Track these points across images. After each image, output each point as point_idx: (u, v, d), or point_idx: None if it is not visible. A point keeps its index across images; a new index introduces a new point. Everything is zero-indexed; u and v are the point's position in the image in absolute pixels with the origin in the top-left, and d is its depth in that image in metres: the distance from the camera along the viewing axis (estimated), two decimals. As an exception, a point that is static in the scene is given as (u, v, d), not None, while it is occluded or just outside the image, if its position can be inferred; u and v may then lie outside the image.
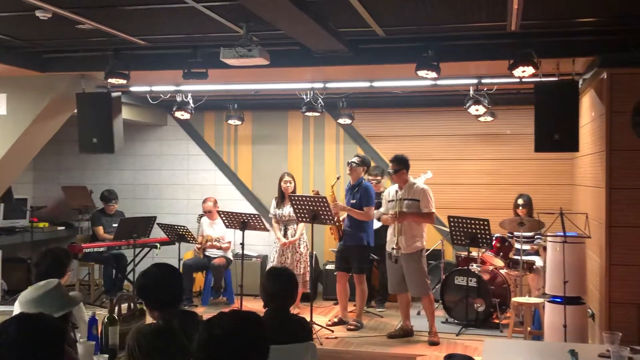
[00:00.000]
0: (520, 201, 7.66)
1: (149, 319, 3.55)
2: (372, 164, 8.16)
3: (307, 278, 7.78)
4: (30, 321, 2.22)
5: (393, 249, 6.64)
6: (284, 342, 3.55)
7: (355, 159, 7.25)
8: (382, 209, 7.02)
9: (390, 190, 6.93)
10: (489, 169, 8.77)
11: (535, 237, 7.54)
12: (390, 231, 6.81)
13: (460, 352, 6.20)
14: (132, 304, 4.00)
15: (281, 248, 7.82)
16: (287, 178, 7.92)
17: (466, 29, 5.66)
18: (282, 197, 7.86)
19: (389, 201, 6.83)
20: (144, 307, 3.29)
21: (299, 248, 7.84)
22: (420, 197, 6.66)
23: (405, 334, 6.85)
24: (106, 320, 3.61)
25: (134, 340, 2.94)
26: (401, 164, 6.75)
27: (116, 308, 3.79)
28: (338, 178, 7.47)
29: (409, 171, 6.82)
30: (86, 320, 3.73)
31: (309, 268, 7.82)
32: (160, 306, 3.17)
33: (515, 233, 7.32)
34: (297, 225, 7.81)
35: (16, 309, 3.66)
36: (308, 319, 6.19)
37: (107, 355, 3.41)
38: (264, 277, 3.82)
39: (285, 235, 7.85)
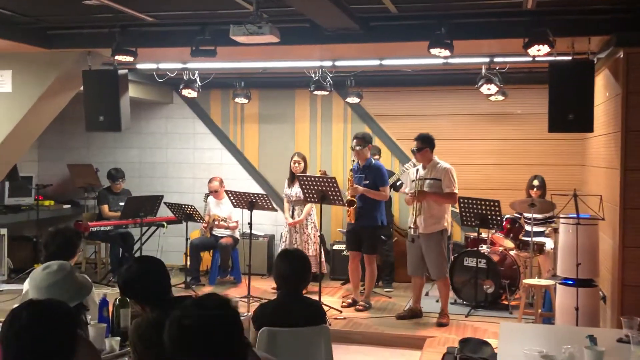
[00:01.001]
0: (535, 182, 7.52)
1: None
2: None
3: (323, 259, 7.59)
4: (42, 307, 2.20)
5: (410, 227, 6.57)
6: (297, 325, 3.52)
7: (355, 144, 7.00)
8: (407, 189, 6.93)
9: (413, 170, 6.83)
10: (499, 149, 8.65)
11: (549, 219, 7.44)
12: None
13: (470, 333, 6.18)
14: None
15: (290, 228, 7.77)
16: (296, 158, 7.84)
17: (480, 7, 5.54)
18: (292, 177, 7.79)
19: (412, 181, 6.73)
20: (135, 305, 3.22)
21: (307, 229, 7.78)
22: (442, 177, 6.54)
23: (414, 315, 6.81)
24: (117, 302, 3.56)
25: (135, 337, 2.89)
26: (425, 142, 6.62)
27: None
28: (353, 161, 7.22)
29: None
30: (96, 302, 3.68)
31: (320, 249, 7.62)
32: (150, 301, 3.11)
33: (526, 214, 7.24)
34: (303, 205, 7.74)
35: (26, 287, 3.62)
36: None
37: (119, 338, 3.37)
38: (277, 259, 3.75)
39: (292, 215, 7.80)
